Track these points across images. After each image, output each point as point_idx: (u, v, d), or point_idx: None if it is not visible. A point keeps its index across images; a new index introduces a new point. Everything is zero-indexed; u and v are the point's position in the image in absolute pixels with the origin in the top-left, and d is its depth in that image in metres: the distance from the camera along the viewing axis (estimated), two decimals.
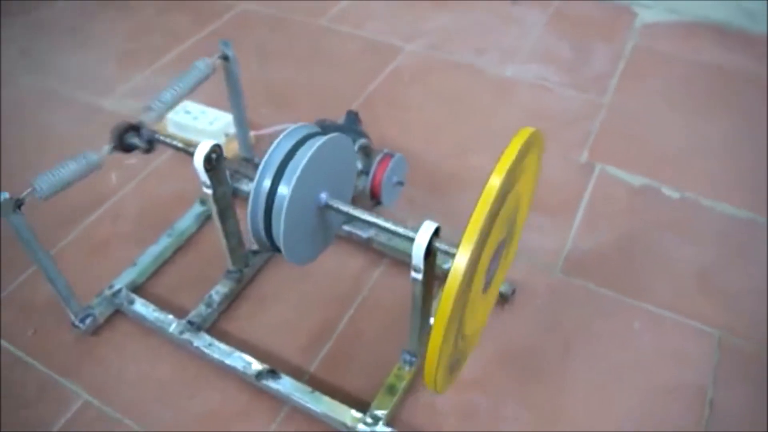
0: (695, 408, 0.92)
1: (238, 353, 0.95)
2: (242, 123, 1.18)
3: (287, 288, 1.08)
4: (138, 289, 1.07)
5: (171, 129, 1.34)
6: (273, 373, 0.93)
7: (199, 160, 0.87)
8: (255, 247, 1.09)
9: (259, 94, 1.41)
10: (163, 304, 1.02)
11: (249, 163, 1.25)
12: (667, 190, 1.24)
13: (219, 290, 1.04)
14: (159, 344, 1.01)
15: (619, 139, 1.35)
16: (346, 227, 1.13)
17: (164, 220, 1.17)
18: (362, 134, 1.13)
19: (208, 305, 1.02)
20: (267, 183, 0.77)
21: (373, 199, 1.08)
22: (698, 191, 1.23)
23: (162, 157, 1.32)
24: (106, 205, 1.22)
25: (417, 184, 1.21)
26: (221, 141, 1.31)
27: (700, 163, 1.30)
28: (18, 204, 0.82)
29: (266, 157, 0.77)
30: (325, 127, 1.12)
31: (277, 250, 0.82)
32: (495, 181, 0.63)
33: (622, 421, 0.91)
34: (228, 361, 0.94)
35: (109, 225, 1.19)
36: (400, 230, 0.77)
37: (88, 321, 1.00)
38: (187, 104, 1.35)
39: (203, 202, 1.19)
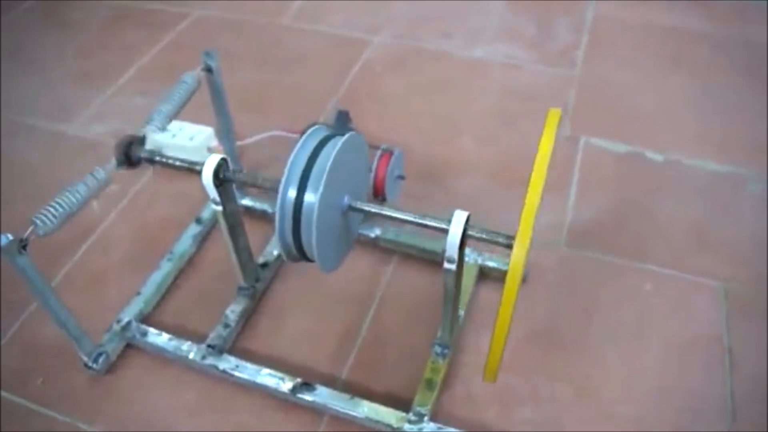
0: (716, 357, 0.96)
1: (267, 370, 0.92)
2: (229, 135, 1.14)
3: (301, 298, 1.06)
4: (146, 319, 1.02)
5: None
6: (307, 386, 0.91)
7: (208, 177, 0.83)
8: (263, 260, 1.08)
9: (234, 102, 1.36)
10: (176, 331, 0.98)
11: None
12: (650, 154, 1.28)
13: (234, 309, 1.01)
14: (179, 373, 0.97)
15: (596, 110, 1.38)
16: None
17: (158, 245, 1.13)
18: (336, 134, 1.12)
19: (226, 326, 0.98)
20: (292, 193, 0.75)
21: (376, 197, 1.06)
22: (679, 151, 1.28)
23: (142, 180, 1.27)
24: (93, 237, 1.16)
25: (411, 175, 1.20)
26: (204, 156, 1.26)
27: (675, 123, 1.35)
28: (23, 245, 0.77)
29: (288, 165, 0.75)
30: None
31: (307, 259, 0.81)
32: (542, 166, 0.63)
33: (650, 379, 0.94)
34: (258, 380, 0.92)
35: (100, 257, 1.13)
36: (432, 222, 0.77)
37: (101, 360, 0.95)
38: None
39: (199, 221, 1.15)
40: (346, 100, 1.41)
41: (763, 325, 0.99)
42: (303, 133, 1.10)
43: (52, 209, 0.80)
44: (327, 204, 0.75)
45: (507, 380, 0.94)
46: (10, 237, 0.76)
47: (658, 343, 0.98)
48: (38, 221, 0.79)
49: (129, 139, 0.89)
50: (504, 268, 1.04)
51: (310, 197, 0.74)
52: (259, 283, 1.04)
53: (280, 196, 0.74)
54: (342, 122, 1.15)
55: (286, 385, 0.91)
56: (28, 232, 0.78)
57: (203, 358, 0.94)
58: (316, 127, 0.80)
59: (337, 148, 0.74)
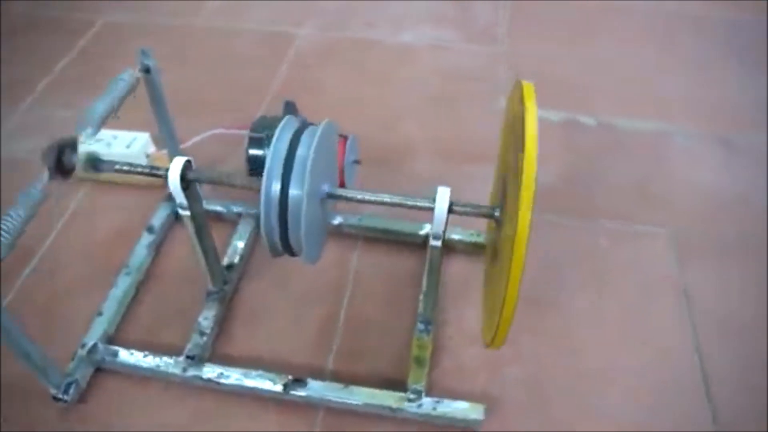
0: (675, 298, 1.03)
1: (254, 372, 0.90)
2: (172, 137, 1.09)
3: (272, 295, 1.04)
4: (112, 339, 0.97)
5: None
6: (299, 382, 0.89)
7: (174, 179, 0.80)
8: (227, 261, 1.05)
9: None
10: (147, 347, 0.93)
11: None
12: (583, 119, 1.35)
13: (207, 315, 0.97)
14: (159, 390, 0.92)
15: (528, 80, 1.43)
16: None
17: (109, 261, 1.06)
18: (307, 123, 1.10)
19: (201, 333, 0.95)
20: (276, 186, 0.73)
21: None
22: (608, 113, 1.36)
23: (78, 195, 1.19)
24: (35, 262, 1.08)
25: (363, 162, 1.20)
26: (144, 162, 1.20)
27: (600, 87, 1.43)
28: None
29: (268, 160, 0.73)
30: (268, 120, 1.08)
31: (291, 253, 0.79)
32: (533, 132, 0.65)
33: (621, 328, 1.00)
34: (247, 384, 0.89)
35: (47, 281, 1.05)
36: (416, 203, 0.78)
37: (71, 390, 0.88)
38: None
39: (151, 230, 1.09)
40: (283, 95, 1.38)
41: (711, 263, 1.08)
42: (252, 128, 1.08)
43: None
44: (311, 194, 0.73)
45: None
46: None
47: (622, 294, 1.04)
48: None
49: (59, 143, 0.79)
50: (469, 239, 1.07)
51: (295, 190, 0.73)
52: (227, 285, 1.01)
53: (264, 190, 0.72)
54: (290, 113, 1.13)
55: (276, 384, 0.89)
56: None
57: (184, 370, 0.90)
58: (288, 117, 0.78)
59: (317, 137, 0.73)
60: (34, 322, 0.98)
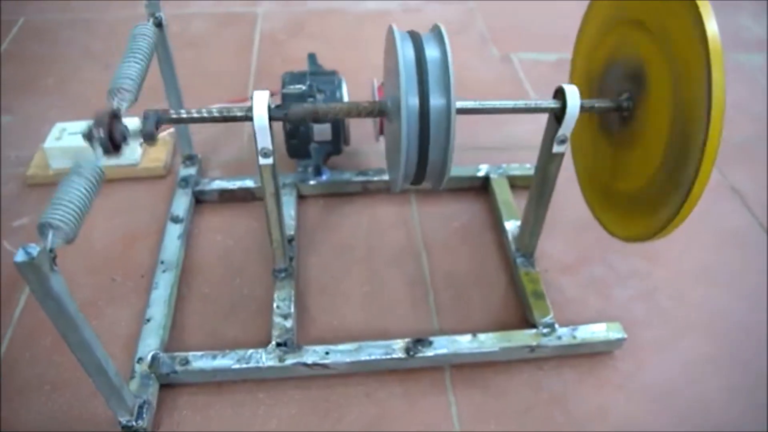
0: (729, 195, 1.05)
1: (365, 344, 0.77)
2: (180, 102, 0.93)
3: (338, 266, 0.91)
4: (169, 346, 0.78)
5: (55, 164, 0.99)
6: (422, 342, 0.77)
7: (261, 117, 0.66)
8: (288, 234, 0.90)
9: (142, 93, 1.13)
10: (215, 347, 0.76)
11: (193, 161, 1.00)
12: None
13: (281, 296, 0.81)
14: (247, 393, 0.75)
15: (510, 29, 1.42)
16: (360, 177, 0.99)
17: (126, 265, 0.88)
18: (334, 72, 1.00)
19: (285, 317, 0.79)
20: (414, 100, 0.61)
21: (382, 134, 0.95)
22: None
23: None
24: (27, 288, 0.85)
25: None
26: (138, 151, 1.02)
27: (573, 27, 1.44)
28: (53, 257, 0.53)
29: (401, 71, 0.61)
30: (297, 76, 0.96)
31: (421, 180, 0.68)
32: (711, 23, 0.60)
33: (696, 229, 0.97)
34: (362, 358, 0.75)
35: None
36: (542, 104, 0.70)
37: (144, 413, 0.69)
38: (61, 126, 1.02)
39: (176, 219, 0.91)
40: (265, 71, 1.26)
41: (743, 162, 1.11)
42: (284, 84, 0.95)
43: (64, 207, 0.56)
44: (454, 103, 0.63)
45: (586, 272, 0.91)
46: (38, 248, 0.51)
47: None
48: (59, 222, 0.54)
49: (107, 115, 0.63)
50: (529, 174, 1.01)
51: (438, 101, 0.62)
52: (292, 261, 0.86)
53: (404, 105, 0.60)
54: (314, 63, 1.02)
55: (396, 350, 0.76)
56: (50, 238, 0.53)
57: (281, 360, 0.75)
58: (395, 32, 0.67)
59: (447, 43, 0.63)
60: (51, 352, 0.78)
